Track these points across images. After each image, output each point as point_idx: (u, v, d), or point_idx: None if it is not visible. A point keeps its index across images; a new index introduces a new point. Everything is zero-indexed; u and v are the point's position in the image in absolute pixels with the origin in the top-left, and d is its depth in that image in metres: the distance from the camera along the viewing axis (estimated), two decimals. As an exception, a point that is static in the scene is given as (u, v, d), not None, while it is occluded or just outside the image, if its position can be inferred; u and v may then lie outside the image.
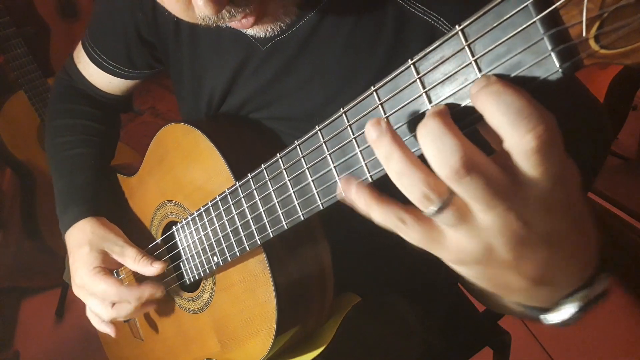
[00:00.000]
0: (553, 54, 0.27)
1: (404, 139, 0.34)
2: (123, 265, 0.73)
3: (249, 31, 0.51)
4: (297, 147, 0.43)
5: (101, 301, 0.71)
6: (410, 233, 0.32)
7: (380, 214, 0.32)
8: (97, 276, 0.69)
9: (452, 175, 0.28)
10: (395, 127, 0.34)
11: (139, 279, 0.75)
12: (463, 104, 0.31)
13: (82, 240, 0.72)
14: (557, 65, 0.27)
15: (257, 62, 0.62)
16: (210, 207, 0.59)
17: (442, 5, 0.50)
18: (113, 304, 0.70)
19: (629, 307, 1.48)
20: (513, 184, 0.28)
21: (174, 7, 0.48)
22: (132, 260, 0.69)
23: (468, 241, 0.31)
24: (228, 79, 0.65)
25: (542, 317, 0.39)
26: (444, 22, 0.50)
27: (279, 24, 0.51)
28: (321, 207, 0.43)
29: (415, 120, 0.34)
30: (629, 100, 1.54)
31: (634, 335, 1.42)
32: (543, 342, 1.42)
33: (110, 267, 0.72)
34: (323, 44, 0.56)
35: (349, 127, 0.38)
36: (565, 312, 0.37)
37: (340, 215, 0.50)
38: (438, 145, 0.28)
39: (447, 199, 0.30)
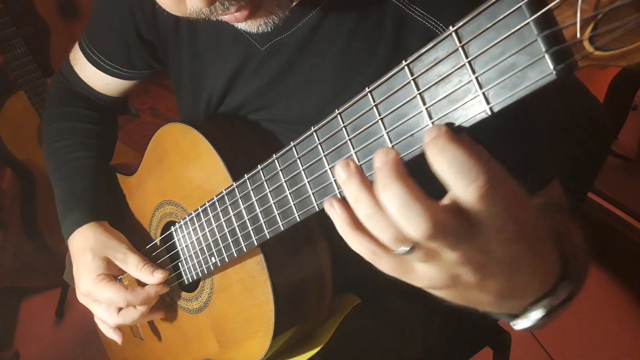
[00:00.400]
0: (547, 56, 0.27)
1: (398, 140, 0.34)
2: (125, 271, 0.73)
3: (242, 26, 0.51)
4: (293, 148, 0.43)
5: (107, 308, 0.71)
6: (382, 265, 0.34)
7: (354, 242, 0.34)
8: (102, 283, 0.69)
9: (421, 239, 0.30)
10: (389, 129, 0.34)
11: (142, 282, 0.75)
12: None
13: (85, 247, 0.72)
14: (551, 67, 0.27)
15: (256, 63, 0.61)
16: (208, 208, 0.59)
17: (441, 10, 0.50)
18: (119, 310, 0.70)
19: (629, 307, 1.48)
20: (470, 227, 0.30)
21: (165, 1, 0.47)
22: (135, 268, 0.70)
23: (436, 272, 0.33)
24: (227, 80, 0.65)
25: (512, 323, 0.42)
26: (443, 27, 0.49)
27: (272, 18, 0.50)
28: (317, 209, 0.43)
29: (409, 123, 0.33)
30: (629, 100, 1.54)
31: (634, 335, 1.41)
32: (543, 342, 1.42)
33: (113, 274, 0.72)
34: (323, 45, 0.56)
35: (343, 129, 0.38)
36: (532, 317, 0.40)
37: None
38: (404, 213, 0.30)
39: (416, 242, 0.32)
